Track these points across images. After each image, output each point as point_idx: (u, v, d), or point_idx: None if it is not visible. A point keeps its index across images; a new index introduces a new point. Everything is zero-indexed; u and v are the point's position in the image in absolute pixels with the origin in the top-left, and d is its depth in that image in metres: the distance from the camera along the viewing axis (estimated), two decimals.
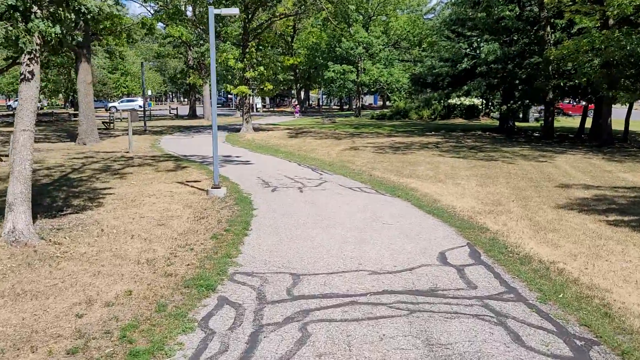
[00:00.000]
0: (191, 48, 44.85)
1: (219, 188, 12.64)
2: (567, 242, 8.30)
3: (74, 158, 20.03)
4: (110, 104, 67.43)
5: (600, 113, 26.11)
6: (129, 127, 21.82)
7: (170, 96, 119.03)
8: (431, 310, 5.32)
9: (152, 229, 9.25)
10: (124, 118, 40.02)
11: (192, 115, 52.11)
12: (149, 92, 65.28)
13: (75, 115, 48.80)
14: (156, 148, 24.44)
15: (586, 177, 15.42)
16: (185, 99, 76.66)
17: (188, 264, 7.02)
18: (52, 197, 12.45)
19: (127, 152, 21.81)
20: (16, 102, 69.24)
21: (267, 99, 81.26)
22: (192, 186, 13.87)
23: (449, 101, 40.85)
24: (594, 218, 10.16)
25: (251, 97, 67.31)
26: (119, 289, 5.97)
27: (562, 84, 26.15)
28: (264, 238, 8.50)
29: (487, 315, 5.22)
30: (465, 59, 26.25)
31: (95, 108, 70.01)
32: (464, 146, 23.73)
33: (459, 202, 11.64)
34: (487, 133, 30.97)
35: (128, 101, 67.43)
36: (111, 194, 12.77)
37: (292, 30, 59.73)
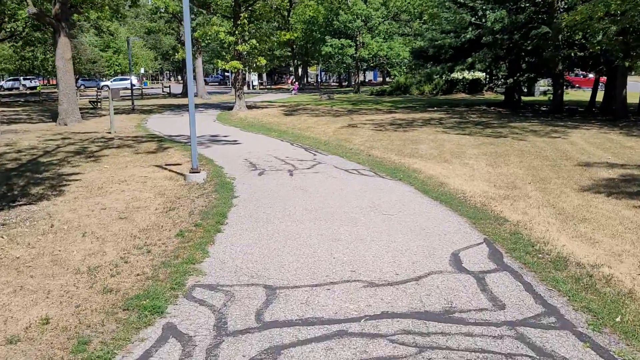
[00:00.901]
0: (182, 23, 42.95)
1: (198, 172, 11.19)
2: (603, 235, 6.89)
3: (50, 140, 18.55)
4: (102, 83, 65.69)
5: (614, 85, 24.52)
6: (110, 106, 20.30)
7: (168, 75, 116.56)
8: (447, 347, 3.91)
9: (111, 223, 7.83)
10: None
11: (186, 93, 50.35)
12: (142, 70, 63.48)
13: None
14: (141, 128, 22.95)
15: (607, 154, 13.95)
16: (180, 77, 74.66)
17: (138, 274, 5.61)
18: (11, 184, 11.04)
19: (108, 133, 20.33)
20: (8, 82, 67.17)
21: (265, 76, 79.27)
22: (170, 170, 12.43)
23: (452, 75, 39.18)
24: (627, 203, 8.73)
25: (247, 74, 65.53)
26: (36, 315, 4.57)
27: (572, 54, 24.51)
28: (240, 235, 7.08)
29: (525, 355, 3.80)
30: (470, 29, 24.49)
31: (87, 87, 68.08)
32: (469, 122, 22.21)
33: (468, 185, 10.21)
34: (492, 108, 29.41)
35: (121, 79, 65.58)
36: (77, 180, 11.34)
37: (288, 3, 57.60)
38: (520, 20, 22.80)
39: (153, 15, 48.01)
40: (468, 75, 41.44)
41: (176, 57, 36.80)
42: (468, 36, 24.38)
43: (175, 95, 50.90)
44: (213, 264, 5.91)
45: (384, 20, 48.50)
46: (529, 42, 25.14)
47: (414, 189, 10.01)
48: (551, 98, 29.66)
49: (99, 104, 33.88)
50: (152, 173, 12.03)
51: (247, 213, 8.29)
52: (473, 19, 24.54)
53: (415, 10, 48.75)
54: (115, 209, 8.75)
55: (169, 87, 55.34)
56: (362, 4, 46.46)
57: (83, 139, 18.61)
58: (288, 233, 7.10)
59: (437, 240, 6.65)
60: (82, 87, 69.76)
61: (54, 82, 77.45)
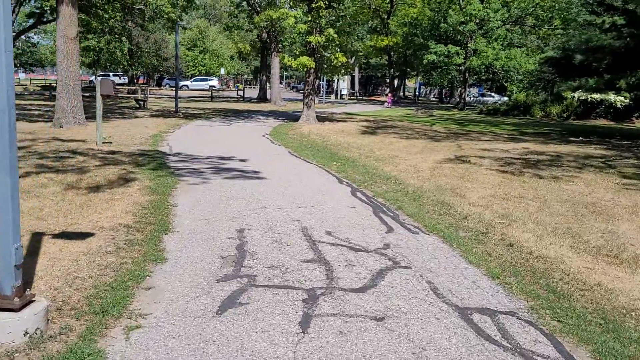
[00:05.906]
0: (258, 13, 36.60)
1: (17, 311, 3.76)
2: None
3: None
4: (182, 83, 61.59)
5: None
6: (98, 107, 13.66)
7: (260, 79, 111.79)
8: None
9: None
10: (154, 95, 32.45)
11: (263, 98, 44.06)
12: (222, 71, 58.30)
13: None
14: (156, 139, 16.24)
15: None
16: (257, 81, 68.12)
17: None
18: None
19: (103, 143, 13.83)
20: (99, 78, 64.72)
21: (357, 85, 71.99)
22: (59, 251, 5.26)
23: (594, 96, 29.85)
24: None
25: (337, 80, 58.51)
26: None
27: None
28: None
29: None
30: None
31: (171, 87, 63.45)
32: None
33: None
34: None
35: (201, 80, 61.06)
36: None
37: (388, 4, 50.06)
38: None
39: (234, 9, 42.27)
40: (612, 96, 31.77)
41: (236, 48, 30.22)
42: None
43: (250, 100, 44.86)
44: None
45: (505, 23, 39.54)
46: None
47: None
48: None
49: (144, 103, 28.05)
50: None
51: None
52: None
53: (545, 14, 39.40)
54: None
55: (243, 90, 49.44)
56: (477, 4, 37.84)
57: (42, 152, 12.10)
58: None
59: None
60: (167, 86, 66.06)
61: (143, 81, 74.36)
